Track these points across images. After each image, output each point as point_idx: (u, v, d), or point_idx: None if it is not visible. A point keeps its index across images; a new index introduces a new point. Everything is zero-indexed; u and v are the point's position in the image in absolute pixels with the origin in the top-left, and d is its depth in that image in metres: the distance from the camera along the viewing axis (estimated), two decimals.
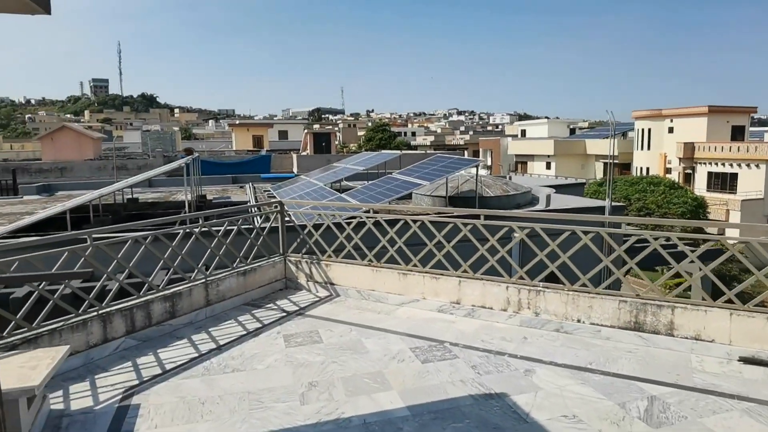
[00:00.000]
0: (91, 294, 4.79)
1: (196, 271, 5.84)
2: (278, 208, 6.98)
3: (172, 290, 5.49)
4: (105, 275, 4.93)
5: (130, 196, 18.24)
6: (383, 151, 21.65)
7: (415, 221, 6.07)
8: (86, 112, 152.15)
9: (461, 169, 11.59)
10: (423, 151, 52.29)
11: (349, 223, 6.55)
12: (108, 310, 4.87)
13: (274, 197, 18.18)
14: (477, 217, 5.81)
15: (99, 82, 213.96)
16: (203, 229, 5.92)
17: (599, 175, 52.78)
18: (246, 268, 6.45)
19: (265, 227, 6.78)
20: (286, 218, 7.03)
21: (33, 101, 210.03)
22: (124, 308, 5.00)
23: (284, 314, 5.88)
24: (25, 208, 17.05)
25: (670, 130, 48.46)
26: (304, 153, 36.62)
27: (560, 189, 16.63)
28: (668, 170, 46.89)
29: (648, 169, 48.74)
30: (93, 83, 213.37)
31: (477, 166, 11.87)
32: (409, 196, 12.71)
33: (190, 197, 14.34)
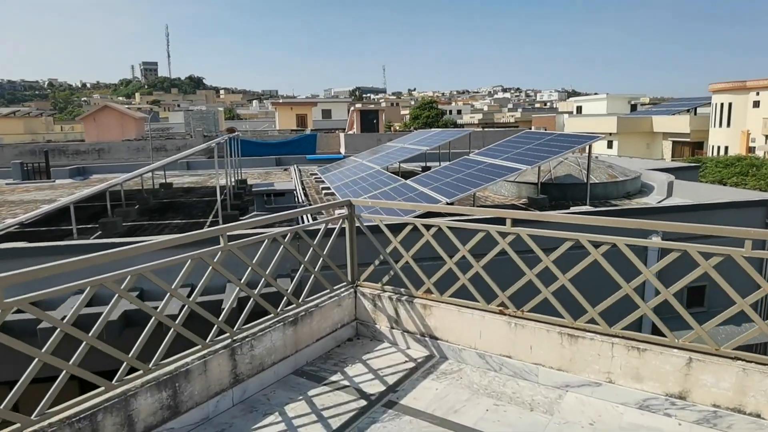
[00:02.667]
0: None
1: (215, 328, 3.46)
2: (346, 211, 4.50)
3: (168, 369, 3.12)
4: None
5: (163, 181, 16.27)
6: (448, 128, 18.86)
7: (597, 244, 3.46)
8: (137, 95, 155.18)
9: (570, 149, 8.87)
10: (497, 128, 48.77)
11: (460, 236, 3.99)
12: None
13: (322, 181, 15.81)
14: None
15: (149, 65, 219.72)
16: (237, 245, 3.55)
17: (667, 155, 48.45)
18: (298, 311, 4.04)
19: (327, 240, 4.34)
20: (357, 224, 4.55)
21: (88, 85, 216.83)
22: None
23: (361, 402, 3.44)
24: (53, 194, 15.32)
25: (756, 104, 43.61)
26: (350, 132, 34.18)
27: (669, 173, 13.54)
28: (751, 149, 42.24)
29: (727, 148, 44.13)
30: (143, 66, 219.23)
31: (589, 146, 9.05)
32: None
33: (227, 182, 12.17)
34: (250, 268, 3.74)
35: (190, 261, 3.27)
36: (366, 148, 23.51)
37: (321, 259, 4.26)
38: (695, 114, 52.05)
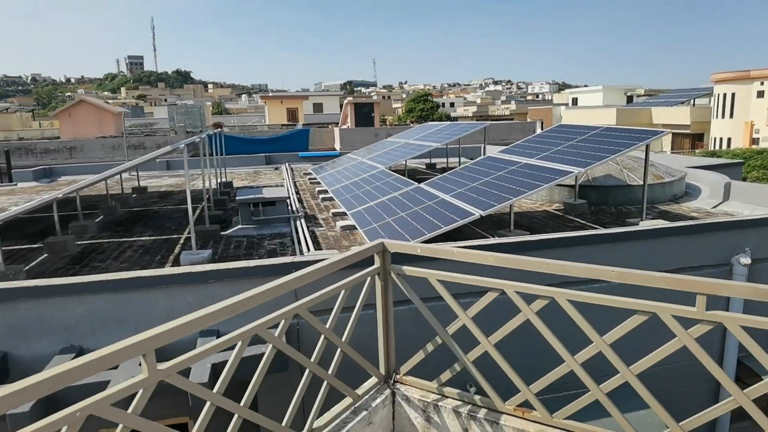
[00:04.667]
0: None
1: None
2: (377, 263, 2.73)
3: None
4: None
5: (136, 184, 14.38)
6: (459, 122, 17.08)
7: None
8: (122, 89, 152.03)
9: (630, 147, 7.11)
10: (515, 120, 46.63)
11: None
12: None
13: (318, 182, 13.99)
14: None
15: (134, 59, 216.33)
16: None
17: (666, 147, 47.22)
18: None
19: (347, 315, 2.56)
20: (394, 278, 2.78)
21: (73, 80, 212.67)
22: None
23: None
24: (8, 201, 13.36)
25: (760, 94, 42.37)
26: (345, 126, 32.31)
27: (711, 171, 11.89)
28: (755, 141, 41.03)
29: (729, 140, 42.92)
30: (129, 60, 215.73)
31: (647, 144, 7.27)
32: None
33: (207, 185, 10.36)
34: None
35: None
36: (363, 143, 21.73)
37: (339, 350, 2.49)
38: (693, 105, 50.96)
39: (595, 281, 2.33)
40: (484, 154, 16.46)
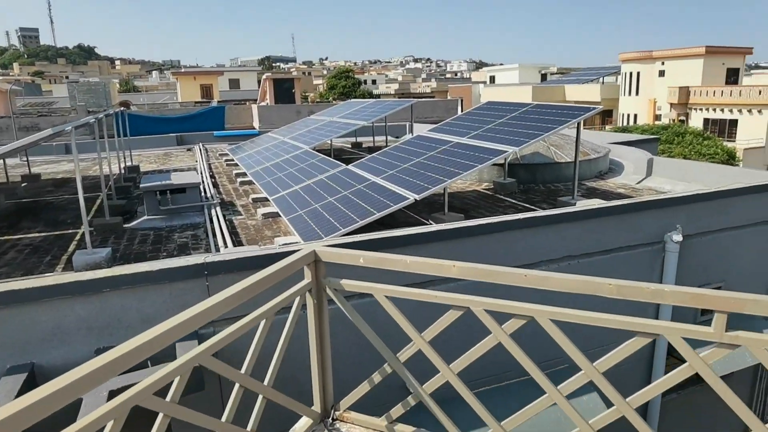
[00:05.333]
0: None
1: None
2: (308, 277, 2.14)
3: None
4: None
5: (27, 171, 12.70)
6: (385, 99, 16.52)
7: None
8: (15, 65, 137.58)
9: (563, 125, 6.89)
10: (436, 97, 46.29)
11: None
12: None
13: (236, 164, 13.00)
14: None
15: (28, 32, 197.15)
16: None
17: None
18: None
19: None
20: (330, 295, 2.22)
21: None
22: None
23: None
24: None
25: (661, 73, 45.11)
26: (263, 103, 30.81)
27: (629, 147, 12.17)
28: (657, 117, 43.81)
29: (636, 116, 45.60)
30: (21, 33, 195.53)
31: (578, 123, 7.11)
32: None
33: (112, 170, 9.18)
34: None
35: None
36: (284, 122, 20.67)
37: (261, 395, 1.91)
38: (603, 83, 53.61)
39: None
40: (411, 133, 16.09)
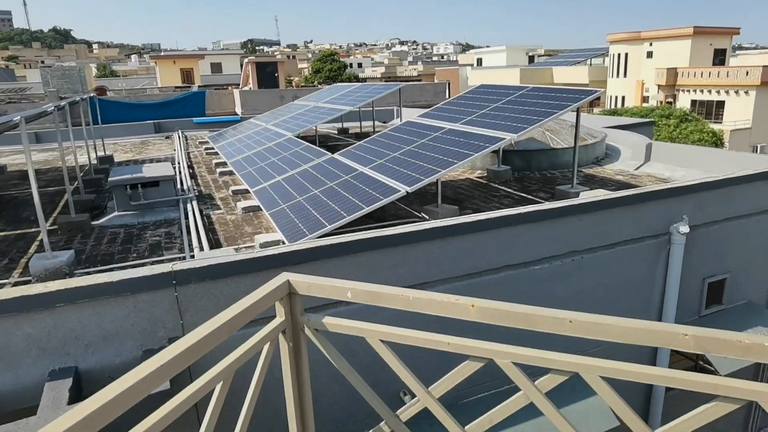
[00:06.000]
0: None
1: None
2: (282, 320, 1.67)
3: None
4: None
5: None
6: (373, 84, 15.92)
7: None
8: None
9: (564, 109, 6.42)
10: (423, 81, 45.54)
11: None
12: None
13: (216, 153, 12.40)
14: None
15: (0, 15, 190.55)
16: None
17: None
18: None
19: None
20: (309, 335, 1.75)
21: None
22: None
23: None
24: None
25: (649, 54, 44.80)
26: (246, 88, 29.92)
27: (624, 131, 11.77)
28: (645, 99, 43.59)
29: (624, 98, 45.35)
30: None
31: (578, 107, 6.63)
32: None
33: (78, 161, 8.53)
34: None
35: None
36: (267, 107, 19.98)
37: None
38: (590, 65, 53.31)
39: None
40: (399, 118, 15.54)
